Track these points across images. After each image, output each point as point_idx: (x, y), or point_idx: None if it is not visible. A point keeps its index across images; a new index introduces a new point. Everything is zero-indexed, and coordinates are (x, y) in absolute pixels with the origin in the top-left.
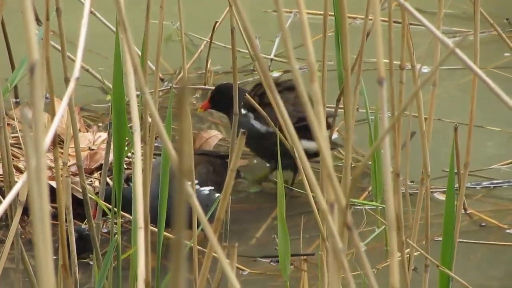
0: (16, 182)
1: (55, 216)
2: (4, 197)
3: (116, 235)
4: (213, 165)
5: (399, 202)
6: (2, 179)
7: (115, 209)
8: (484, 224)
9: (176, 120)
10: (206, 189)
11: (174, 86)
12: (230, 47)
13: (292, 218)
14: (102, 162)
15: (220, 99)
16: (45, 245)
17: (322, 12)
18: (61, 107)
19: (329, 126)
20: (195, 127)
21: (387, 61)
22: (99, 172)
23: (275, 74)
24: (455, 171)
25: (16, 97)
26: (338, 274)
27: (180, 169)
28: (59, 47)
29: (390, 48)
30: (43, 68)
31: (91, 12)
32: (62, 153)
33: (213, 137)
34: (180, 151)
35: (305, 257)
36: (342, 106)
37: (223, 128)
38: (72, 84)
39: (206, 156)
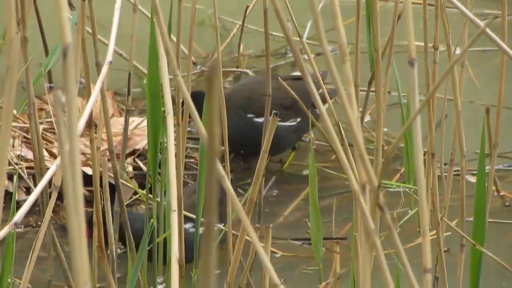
0: (49, 167)
1: (88, 201)
2: (36, 182)
3: (152, 220)
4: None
5: (435, 182)
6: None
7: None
8: (508, 204)
9: (207, 101)
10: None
11: (205, 68)
12: (262, 30)
13: (323, 200)
14: (136, 147)
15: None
16: (78, 227)
17: None
18: (95, 91)
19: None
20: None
21: (419, 43)
22: (132, 157)
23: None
24: (487, 152)
25: (50, 82)
26: (370, 254)
27: (210, 150)
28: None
29: (426, 28)
30: (77, 52)
31: None
32: (95, 137)
33: None
34: (211, 131)
35: (337, 243)
36: (374, 89)
37: None
38: (105, 69)
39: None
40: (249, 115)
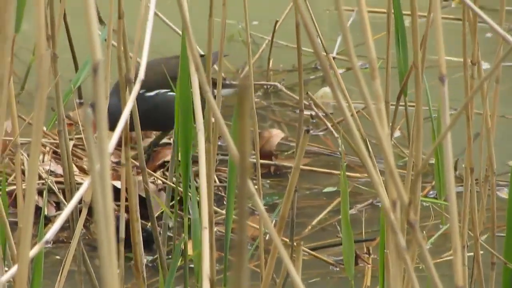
0: (78, 182)
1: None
2: (65, 198)
3: (184, 235)
4: None
5: (474, 197)
6: (63, 180)
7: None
8: None
9: (238, 117)
10: None
11: (235, 83)
12: (292, 45)
13: (352, 214)
14: (164, 159)
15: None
16: (108, 245)
17: (384, 10)
18: (127, 108)
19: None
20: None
21: (448, 58)
22: (162, 170)
23: (340, 71)
24: None
25: (80, 97)
26: (401, 272)
27: (241, 168)
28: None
29: (465, 43)
30: (107, 69)
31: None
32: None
33: (275, 136)
34: (242, 149)
35: (369, 255)
36: (403, 104)
37: (285, 126)
38: (137, 86)
39: None
40: (141, 91)
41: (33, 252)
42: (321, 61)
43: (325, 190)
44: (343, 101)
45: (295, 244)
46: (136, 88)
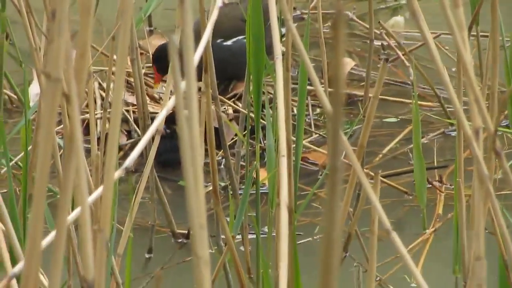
0: (151, 112)
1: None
2: (138, 126)
3: (255, 162)
4: None
5: None
6: (133, 109)
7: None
8: None
9: (332, 45)
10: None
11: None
12: None
13: (423, 143)
14: (236, 91)
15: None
16: (195, 174)
17: None
18: (205, 34)
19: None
20: (327, 55)
21: None
22: (232, 100)
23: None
24: None
25: (150, 25)
26: (484, 201)
27: (336, 92)
28: None
29: None
30: None
31: None
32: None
33: (346, 64)
34: (337, 73)
35: (441, 183)
36: (474, 33)
37: (355, 56)
38: (215, 12)
39: None
40: (218, 41)
41: (116, 175)
42: None
43: (387, 120)
44: (425, 27)
45: (370, 172)
46: (214, 14)
